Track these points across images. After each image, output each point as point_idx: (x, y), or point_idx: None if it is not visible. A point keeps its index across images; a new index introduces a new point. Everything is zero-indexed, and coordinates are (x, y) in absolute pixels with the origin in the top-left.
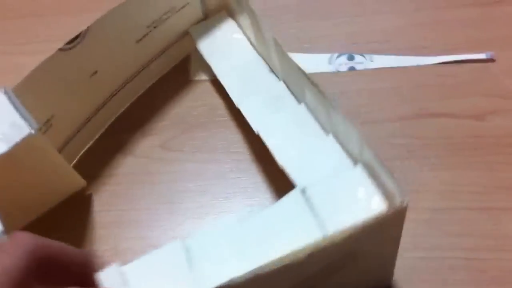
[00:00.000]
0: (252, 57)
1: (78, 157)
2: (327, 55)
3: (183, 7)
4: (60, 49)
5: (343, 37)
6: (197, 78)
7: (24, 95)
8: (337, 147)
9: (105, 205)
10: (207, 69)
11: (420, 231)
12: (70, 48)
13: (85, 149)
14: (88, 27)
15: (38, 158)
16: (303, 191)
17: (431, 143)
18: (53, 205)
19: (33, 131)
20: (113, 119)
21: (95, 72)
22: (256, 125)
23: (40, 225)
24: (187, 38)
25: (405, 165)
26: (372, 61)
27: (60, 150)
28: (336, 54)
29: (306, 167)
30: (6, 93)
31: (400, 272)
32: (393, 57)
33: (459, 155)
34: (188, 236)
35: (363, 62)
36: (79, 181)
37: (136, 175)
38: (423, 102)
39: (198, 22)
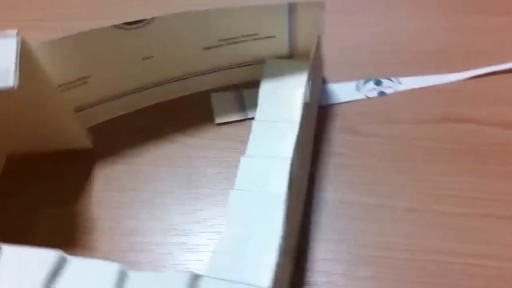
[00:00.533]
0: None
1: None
2: (353, 83)
3: (267, 37)
4: (116, 26)
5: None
6: (222, 120)
7: (68, 47)
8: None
9: (121, 185)
10: (233, 111)
11: (430, 235)
12: (129, 29)
13: (106, 119)
14: (156, 16)
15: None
16: (195, 277)
17: (453, 148)
18: (49, 149)
19: (15, 87)
20: (145, 105)
21: (150, 57)
22: (237, 186)
23: (59, 199)
24: (258, 66)
25: (423, 168)
26: (400, 83)
27: (82, 109)
28: (362, 81)
29: (231, 255)
30: (18, 42)
31: (406, 273)
32: (422, 77)
33: (480, 162)
34: None
35: (392, 86)
36: (83, 139)
37: (155, 158)
38: (449, 106)
39: (279, 57)
